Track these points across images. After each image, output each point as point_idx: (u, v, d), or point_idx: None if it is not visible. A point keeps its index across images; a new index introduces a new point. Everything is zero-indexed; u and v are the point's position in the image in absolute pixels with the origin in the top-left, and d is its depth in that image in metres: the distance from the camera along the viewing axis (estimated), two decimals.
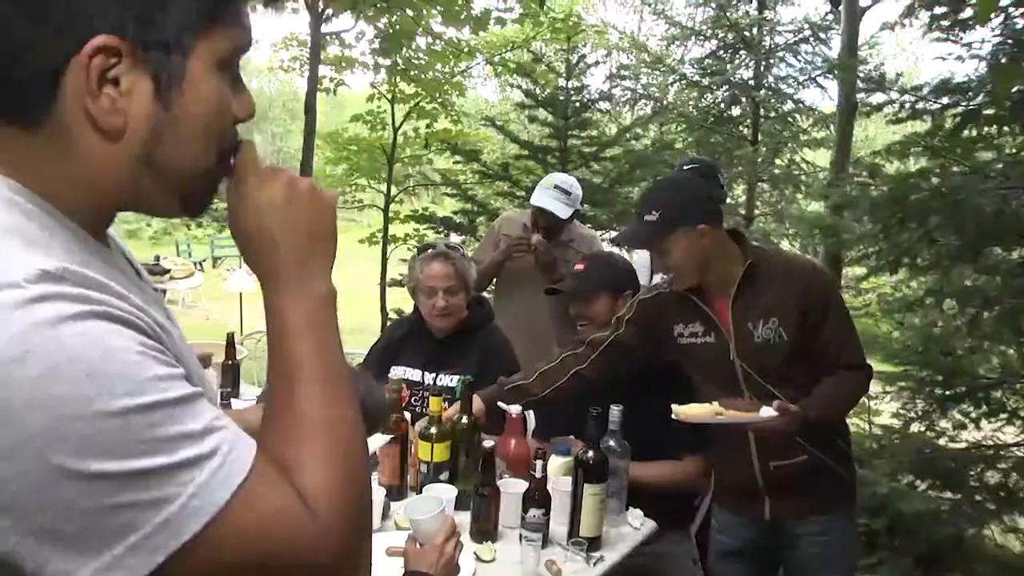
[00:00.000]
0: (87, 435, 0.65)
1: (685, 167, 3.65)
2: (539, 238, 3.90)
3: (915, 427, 4.71)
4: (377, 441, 2.58)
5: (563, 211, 3.96)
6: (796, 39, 9.29)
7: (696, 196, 2.58)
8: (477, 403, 2.76)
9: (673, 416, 2.44)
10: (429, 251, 3.24)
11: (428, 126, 8.98)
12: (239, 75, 0.89)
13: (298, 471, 0.81)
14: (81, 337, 0.67)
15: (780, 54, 9.33)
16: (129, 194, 0.84)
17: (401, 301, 8.07)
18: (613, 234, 7.86)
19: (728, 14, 9.60)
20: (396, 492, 2.60)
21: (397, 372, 3.21)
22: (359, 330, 11.68)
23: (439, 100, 8.66)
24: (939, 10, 4.47)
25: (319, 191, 0.95)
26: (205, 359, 2.68)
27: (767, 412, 2.41)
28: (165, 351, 0.75)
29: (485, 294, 4.14)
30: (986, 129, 4.25)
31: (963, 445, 4.40)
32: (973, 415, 4.53)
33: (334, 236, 0.96)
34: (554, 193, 3.99)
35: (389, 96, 8.52)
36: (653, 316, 2.75)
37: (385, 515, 2.51)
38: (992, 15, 3.91)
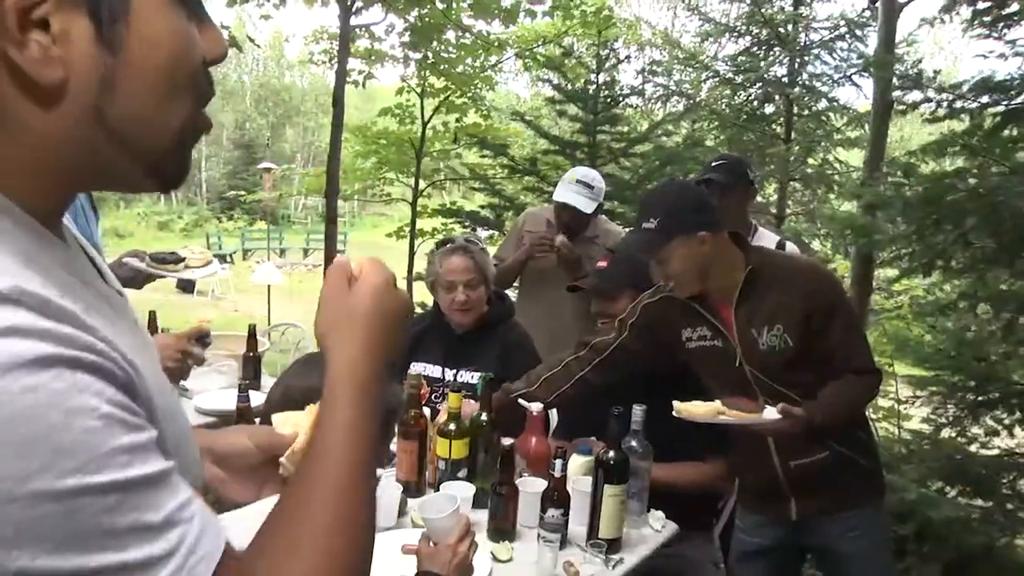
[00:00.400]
0: (19, 520, 0.54)
1: (714, 164, 3.61)
2: (562, 239, 3.84)
3: (946, 433, 4.64)
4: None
5: (587, 205, 3.91)
6: (832, 36, 9.16)
7: (695, 203, 2.53)
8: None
9: (674, 413, 2.41)
10: (447, 245, 3.21)
11: (457, 120, 8.97)
12: (202, 6, 0.75)
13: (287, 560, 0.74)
14: (34, 394, 0.55)
15: (815, 51, 9.20)
16: (84, 168, 0.70)
17: (427, 295, 8.08)
18: None
19: (763, 10, 9.49)
20: (414, 489, 2.56)
21: (416, 368, 3.17)
22: None
23: (469, 95, 8.64)
24: (981, 5, 4.37)
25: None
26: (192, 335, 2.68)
27: (771, 413, 2.39)
28: (133, 406, 0.63)
29: (508, 292, 4.10)
30: None
31: (995, 452, 4.32)
32: (1006, 421, 4.45)
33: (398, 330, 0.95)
34: (576, 188, 3.93)
35: (418, 90, 8.52)
36: (659, 320, 2.72)
37: (401, 512, 2.47)
38: None
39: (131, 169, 0.71)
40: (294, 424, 1.08)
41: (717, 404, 2.41)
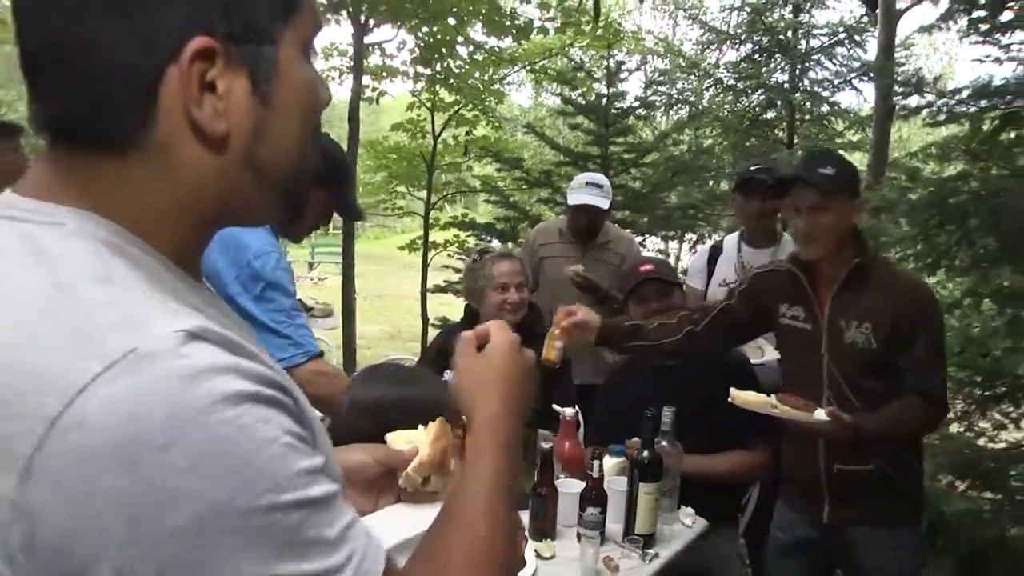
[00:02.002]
0: (227, 534, 0.61)
1: (752, 168, 3.76)
2: (575, 268, 3.95)
3: (954, 427, 4.73)
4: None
5: (603, 203, 4.07)
6: (831, 42, 9.33)
7: (858, 176, 2.67)
8: (589, 315, 2.80)
9: (729, 399, 2.55)
10: (492, 253, 3.43)
11: (467, 133, 9.10)
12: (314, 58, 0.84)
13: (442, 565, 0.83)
14: (229, 426, 0.62)
15: (815, 57, 9.37)
16: (231, 207, 0.79)
17: (440, 307, 8.19)
18: (653, 239, 7.96)
19: (763, 18, 9.66)
20: None
21: (451, 376, 3.30)
22: (399, 336, 11.87)
23: (479, 108, 8.77)
24: (977, 13, 4.52)
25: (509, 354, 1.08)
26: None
27: (820, 415, 2.46)
28: (304, 434, 0.70)
29: None
30: None
31: (1003, 445, 4.42)
32: (1013, 415, 4.56)
33: (529, 394, 1.08)
34: (588, 189, 4.09)
35: (429, 104, 8.65)
36: (764, 290, 2.81)
37: None
38: None
39: (272, 203, 0.81)
40: (407, 440, 1.22)
41: (771, 398, 2.53)
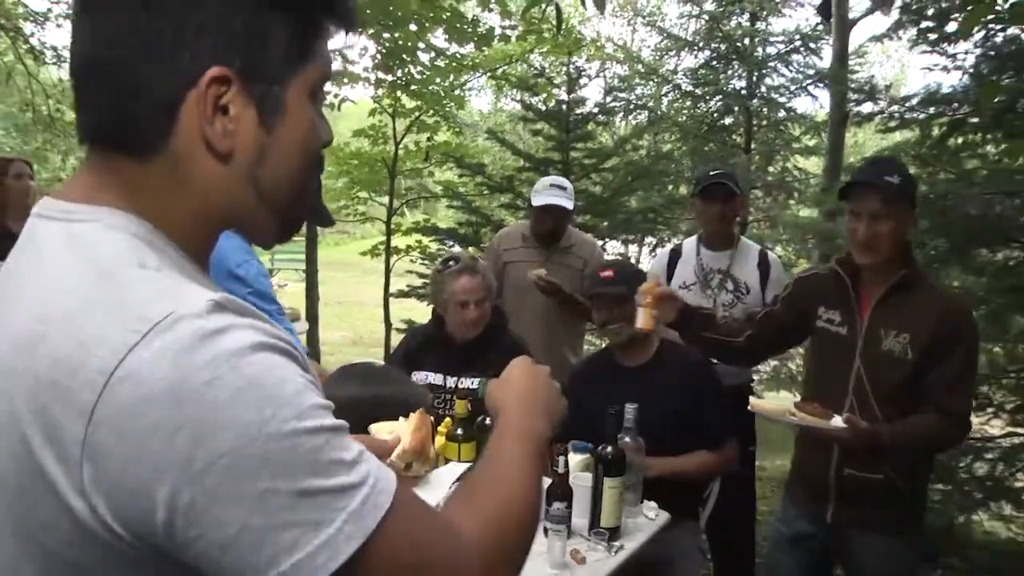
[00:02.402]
0: (264, 454, 0.72)
1: (717, 172, 3.85)
2: (539, 272, 3.99)
3: None
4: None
5: (568, 203, 4.13)
6: (787, 49, 9.48)
7: (916, 185, 2.72)
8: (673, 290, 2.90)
9: (749, 408, 2.64)
10: (453, 264, 3.36)
11: (429, 139, 9.13)
12: (321, 102, 0.96)
13: (466, 510, 0.92)
14: (258, 366, 0.74)
15: (772, 64, 9.51)
16: (236, 214, 0.91)
17: (402, 312, 8.22)
18: (614, 243, 8.05)
19: (721, 25, 9.81)
20: None
21: (419, 377, 3.33)
22: (360, 342, 11.85)
23: (440, 113, 8.82)
24: (925, 24, 4.68)
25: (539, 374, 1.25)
26: None
27: (837, 422, 2.52)
28: (313, 379, 0.81)
29: None
30: (971, 137, 4.44)
31: None
32: None
33: (548, 400, 1.21)
34: (553, 191, 4.14)
35: (391, 110, 8.68)
36: (805, 293, 2.86)
37: None
38: (974, 30, 4.13)
39: (268, 219, 0.93)
40: (390, 431, 1.30)
41: (789, 405, 2.60)
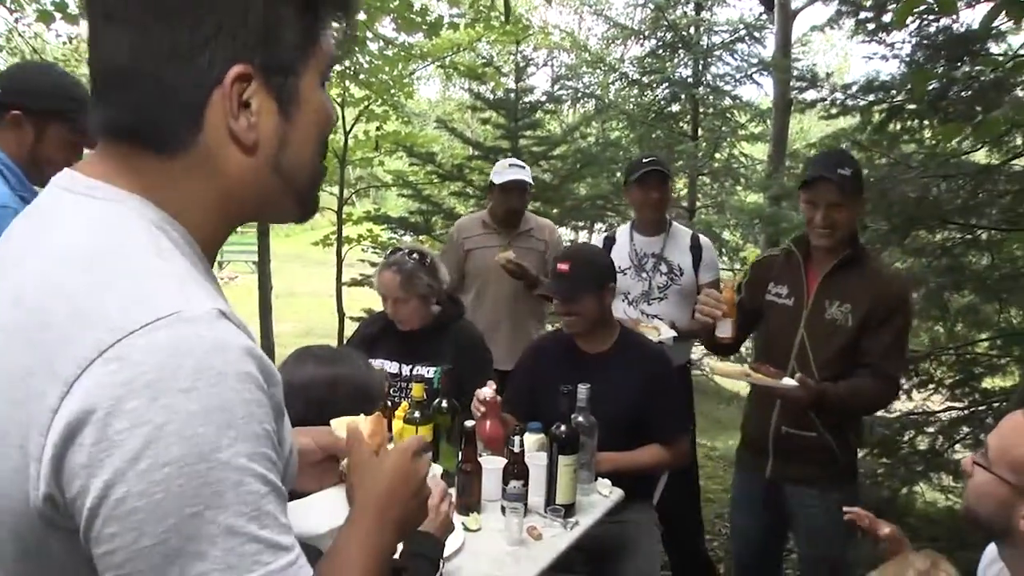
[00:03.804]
0: (207, 478, 0.73)
1: (650, 159, 3.95)
2: (507, 255, 4.07)
3: None
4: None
5: (528, 178, 4.28)
6: (732, 38, 9.61)
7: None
8: None
9: (708, 372, 2.78)
10: (386, 259, 3.42)
11: (378, 128, 9.08)
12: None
13: None
14: (237, 395, 0.76)
15: (717, 53, 9.63)
16: (260, 201, 0.94)
17: (354, 302, 8.18)
18: (563, 229, 8.11)
19: (666, 14, 9.91)
20: None
21: (375, 364, 3.35)
22: (312, 333, 11.77)
23: (389, 103, 8.78)
24: (864, 15, 4.80)
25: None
26: None
27: (788, 382, 2.74)
28: (277, 428, 0.83)
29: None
30: (908, 123, 4.58)
31: (896, 414, 4.70)
32: (905, 386, 4.86)
33: (407, 512, 1.13)
34: (513, 169, 4.28)
35: (339, 100, 8.62)
36: (760, 273, 3.14)
37: None
38: (909, 20, 4.25)
39: (290, 203, 0.98)
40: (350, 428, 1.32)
41: (745, 367, 2.82)
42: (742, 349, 3.69)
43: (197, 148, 0.87)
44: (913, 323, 4.83)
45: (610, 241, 4.13)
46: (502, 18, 7.43)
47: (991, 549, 1.94)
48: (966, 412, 4.78)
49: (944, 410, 4.79)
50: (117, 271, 0.79)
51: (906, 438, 4.67)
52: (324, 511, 1.25)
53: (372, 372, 2.26)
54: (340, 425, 1.34)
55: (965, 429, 4.69)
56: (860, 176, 2.90)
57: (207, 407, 0.73)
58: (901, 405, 4.85)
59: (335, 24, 0.96)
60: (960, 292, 4.74)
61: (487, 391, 2.89)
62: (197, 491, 0.72)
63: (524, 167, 4.34)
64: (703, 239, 4.09)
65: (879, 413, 4.85)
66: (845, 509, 2.35)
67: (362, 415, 1.34)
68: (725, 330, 2.91)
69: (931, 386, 4.76)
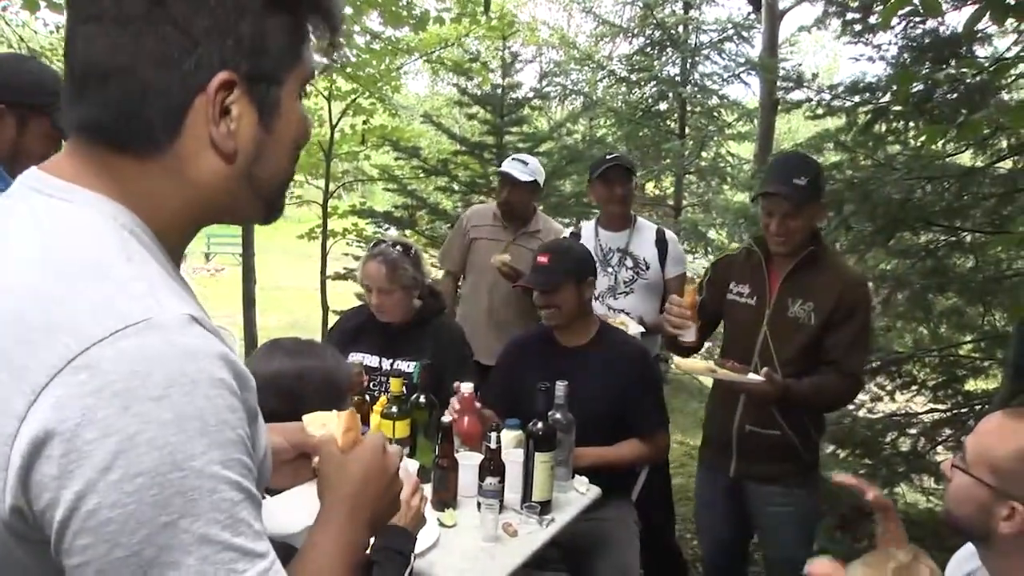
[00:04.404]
0: (180, 487, 0.72)
1: (614, 155, 3.97)
2: (502, 258, 4.06)
3: None
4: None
5: (520, 173, 4.21)
6: (720, 38, 9.63)
7: (823, 176, 3.01)
8: None
9: (673, 366, 2.75)
10: (370, 250, 3.39)
11: (365, 122, 9.05)
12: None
13: None
14: (210, 402, 0.75)
15: (705, 52, 9.65)
16: (228, 206, 0.94)
17: (339, 296, 8.15)
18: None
19: (655, 13, 9.91)
20: None
21: (355, 358, 3.33)
22: (297, 325, 11.73)
23: (376, 97, 8.74)
24: (850, 16, 4.80)
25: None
26: None
27: (754, 377, 2.73)
28: (250, 433, 0.82)
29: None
30: (893, 125, 4.58)
31: (879, 416, 4.72)
32: (888, 388, 4.88)
33: (380, 508, 1.13)
34: (512, 163, 4.28)
35: (326, 93, 8.58)
36: (720, 273, 3.13)
37: None
38: (895, 22, 4.25)
39: (256, 207, 0.97)
40: (322, 424, 1.30)
41: (710, 363, 2.80)
42: (706, 344, 3.68)
43: (173, 152, 0.86)
44: (887, 323, 4.90)
45: (576, 237, 4.12)
46: (484, 12, 7.38)
47: (963, 550, 1.93)
48: (949, 414, 4.81)
49: (927, 412, 4.80)
50: (86, 276, 0.78)
51: (888, 439, 4.68)
52: (297, 509, 1.24)
53: (341, 363, 2.23)
54: (312, 422, 1.33)
55: (948, 431, 4.72)
56: (819, 179, 2.89)
57: (179, 415, 0.72)
58: (884, 406, 4.87)
59: (319, 38, 0.96)
60: (944, 294, 4.75)
61: (465, 387, 2.89)
62: (170, 500, 0.71)
63: (527, 163, 4.29)
64: (669, 233, 4.13)
65: (860, 414, 4.90)
66: (833, 475, 2.32)
67: (335, 411, 1.32)
68: (689, 335, 2.91)
69: (914, 388, 4.77)
